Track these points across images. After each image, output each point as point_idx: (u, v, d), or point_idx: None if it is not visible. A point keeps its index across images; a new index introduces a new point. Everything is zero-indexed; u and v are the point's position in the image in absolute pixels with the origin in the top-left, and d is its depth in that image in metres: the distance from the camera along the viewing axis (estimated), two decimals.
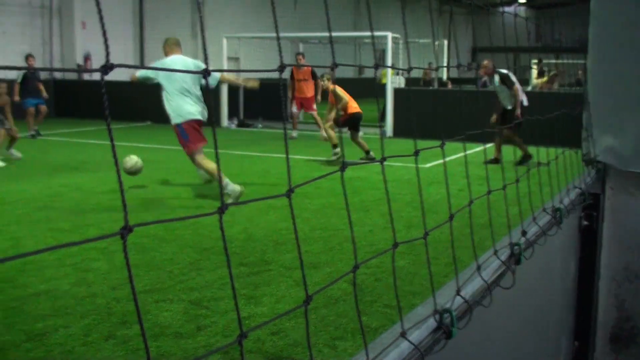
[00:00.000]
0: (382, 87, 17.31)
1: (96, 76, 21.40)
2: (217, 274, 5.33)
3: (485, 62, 12.65)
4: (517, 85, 11.46)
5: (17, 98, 14.47)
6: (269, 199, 1.23)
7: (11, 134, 11.41)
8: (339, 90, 11.85)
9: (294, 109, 16.26)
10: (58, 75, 21.39)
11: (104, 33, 0.79)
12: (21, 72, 14.98)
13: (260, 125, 18.83)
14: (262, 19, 26.82)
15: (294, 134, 16.47)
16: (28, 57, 15.82)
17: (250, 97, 19.85)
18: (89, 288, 4.97)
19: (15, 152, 11.68)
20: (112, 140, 0.79)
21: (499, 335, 2.15)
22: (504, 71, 11.62)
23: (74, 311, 4.51)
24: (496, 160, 11.15)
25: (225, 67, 20.44)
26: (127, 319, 4.36)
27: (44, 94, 15.27)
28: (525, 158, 11.50)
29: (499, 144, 11.27)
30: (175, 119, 8.20)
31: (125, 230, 0.83)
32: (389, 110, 16.41)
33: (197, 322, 4.36)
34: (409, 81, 19.61)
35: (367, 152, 11.92)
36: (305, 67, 15.91)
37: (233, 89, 19.45)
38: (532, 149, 11.42)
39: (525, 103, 11.54)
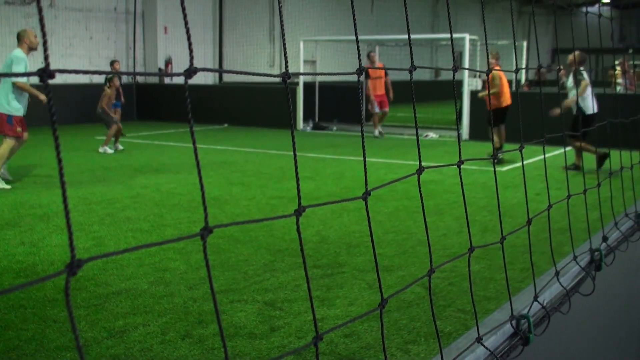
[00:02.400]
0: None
1: (176, 80, 21.92)
2: (291, 276, 5.37)
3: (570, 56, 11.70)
4: (586, 86, 10.48)
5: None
6: (345, 201, 1.24)
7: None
8: (497, 75, 11.43)
9: (376, 108, 16.50)
10: (140, 79, 22.01)
11: (189, 38, 0.81)
12: (105, 77, 15.63)
13: (335, 128, 18.90)
14: (339, 22, 26.91)
15: (377, 132, 16.77)
16: (114, 62, 16.48)
17: (325, 99, 19.96)
18: (166, 287, 5.09)
19: (120, 146, 13.88)
20: (194, 142, 0.82)
21: (578, 343, 2.10)
22: (582, 68, 10.71)
23: (152, 310, 4.63)
24: (576, 167, 10.57)
25: (302, 70, 20.62)
26: (203, 319, 4.45)
27: (122, 98, 15.91)
28: (602, 159, 10.13)
29: (579, 149, 10.69)
30: (16, 111, 9.04)
31: (206, 231, 0.85)
32: (465, 113, 16.22)
33: (271, 323, 4.41)
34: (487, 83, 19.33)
35: (497, 149, 11.42)
36: (379, 65, 16.06)
37: (309, 91, 19.60)
38: (614, 153, 11.04)
39: (595, 110, 10.47)
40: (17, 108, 9.03)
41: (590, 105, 10.49)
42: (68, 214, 0.75)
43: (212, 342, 4.08)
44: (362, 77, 17.12)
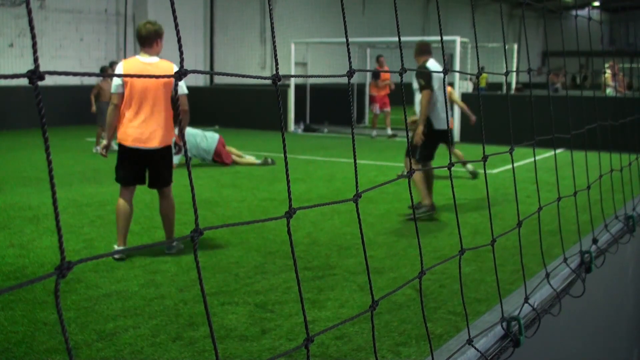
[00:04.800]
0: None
1: None
2: (282, 278, 5.36)
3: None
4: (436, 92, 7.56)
5: (93, 109, 14.35)
6: (335, 203, 1.24)
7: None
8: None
9: (376, 110, 17.26)
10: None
11: (179, 40, 0.81)
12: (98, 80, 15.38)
13: (326, 130, 18.90)
14: (330, 24, 26.93)
15: (374, 133, 17.37)
16: (112, 64, 16.14)
17: (316, 102, 19.96)
18: (157, 289, 5.08)
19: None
20: (184, 144, 0.82)
21: (568, 345, 2.11)
22: (430, 63, 7.92)
23: (143, 312, 4.61)
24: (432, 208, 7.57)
25: (293, 72, 20.60)
26: (194, 321, 4.44)
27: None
28: (421, 207, 7.54)
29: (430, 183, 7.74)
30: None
31: (196, 233, 0.85)
32: (455, 115, 16.24)
33: (262, 325, 4.40)
34: (476, 86, 19.38)
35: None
36: (386, 68, 16.66)
37: (300, 93, 19.60)
38: (604, 155, 11.03)
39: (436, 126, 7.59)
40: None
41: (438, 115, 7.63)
42: (58, 215, 0.74)
43: (202, 345, 4.07)
44: (371, 79, 17.48)
